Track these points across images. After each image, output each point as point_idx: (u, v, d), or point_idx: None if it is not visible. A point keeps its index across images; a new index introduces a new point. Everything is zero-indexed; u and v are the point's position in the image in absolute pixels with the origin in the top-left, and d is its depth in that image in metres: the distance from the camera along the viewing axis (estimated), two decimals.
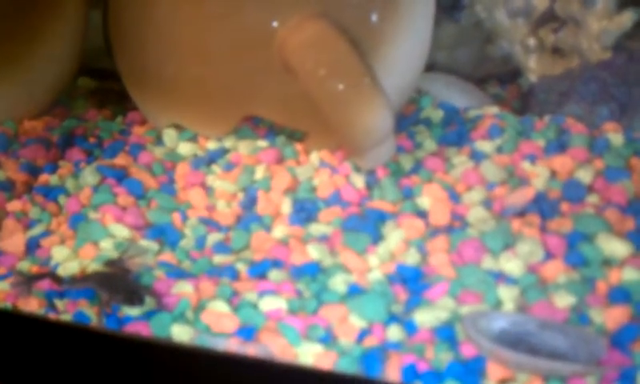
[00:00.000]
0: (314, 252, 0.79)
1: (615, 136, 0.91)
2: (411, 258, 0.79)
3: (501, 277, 0.76)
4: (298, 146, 0.91)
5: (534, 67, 1.03)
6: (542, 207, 0.82)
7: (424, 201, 0.85)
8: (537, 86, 1.01)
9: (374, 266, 0.78)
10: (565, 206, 0.83)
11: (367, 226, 0.81)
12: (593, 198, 0.83)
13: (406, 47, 0.90)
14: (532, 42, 1.03)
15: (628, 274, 0.74)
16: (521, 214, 0.83)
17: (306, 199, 0.85)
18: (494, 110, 0.99)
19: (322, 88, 0.84)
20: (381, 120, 0.84)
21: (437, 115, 0.99)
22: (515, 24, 1.03)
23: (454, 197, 0.85)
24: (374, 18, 0.88)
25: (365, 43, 0.86)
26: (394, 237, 0.80)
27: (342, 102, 0.84)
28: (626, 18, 0.98)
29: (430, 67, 1.07)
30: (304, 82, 0.85)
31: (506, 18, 1.03)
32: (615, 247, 0.77)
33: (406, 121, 0.98)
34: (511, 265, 0.76)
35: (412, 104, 1.01)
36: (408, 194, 0.86)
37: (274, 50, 0.86)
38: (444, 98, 1.03)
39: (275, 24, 0.86)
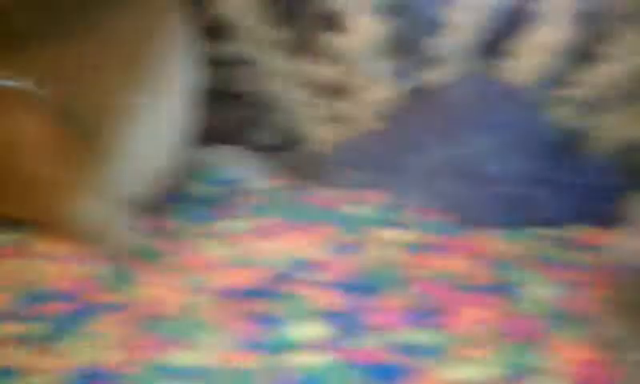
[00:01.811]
0: None
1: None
2: None
3: None
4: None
5: (315, 136, 1.01)
6: None
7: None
8: (319, 155, 0.99)
9: None
10: None
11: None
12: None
13: (153, 128, 0.88)
14: (313, 111, 1.01)
15: None
16: None
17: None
18: (264, 183, 0.97)
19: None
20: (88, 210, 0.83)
21: (205, 190, 0.97)
22: (297, 93, 1.01)
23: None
24: (110, 98, 0.86)
25: (99, 126, 0.85)
26: None
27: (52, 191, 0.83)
28: (398, 89, 0.96)
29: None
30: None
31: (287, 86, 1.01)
32: None
33: (170, 199, 0.96)
34: None
35: (180, 179, 0.99)
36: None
37: None
38: (220, 171, 1.00)
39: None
